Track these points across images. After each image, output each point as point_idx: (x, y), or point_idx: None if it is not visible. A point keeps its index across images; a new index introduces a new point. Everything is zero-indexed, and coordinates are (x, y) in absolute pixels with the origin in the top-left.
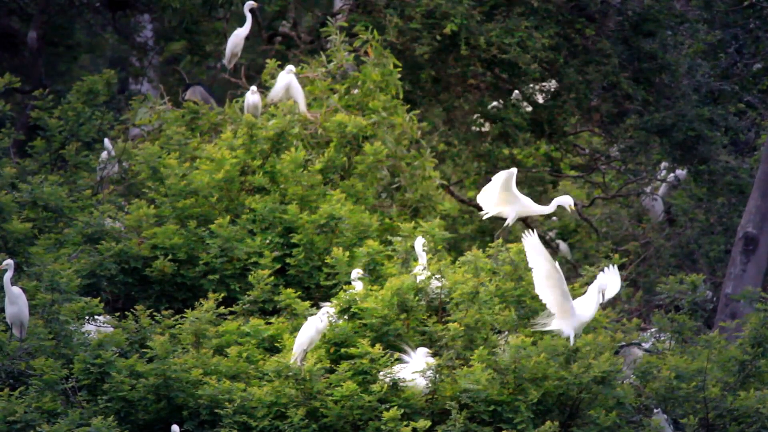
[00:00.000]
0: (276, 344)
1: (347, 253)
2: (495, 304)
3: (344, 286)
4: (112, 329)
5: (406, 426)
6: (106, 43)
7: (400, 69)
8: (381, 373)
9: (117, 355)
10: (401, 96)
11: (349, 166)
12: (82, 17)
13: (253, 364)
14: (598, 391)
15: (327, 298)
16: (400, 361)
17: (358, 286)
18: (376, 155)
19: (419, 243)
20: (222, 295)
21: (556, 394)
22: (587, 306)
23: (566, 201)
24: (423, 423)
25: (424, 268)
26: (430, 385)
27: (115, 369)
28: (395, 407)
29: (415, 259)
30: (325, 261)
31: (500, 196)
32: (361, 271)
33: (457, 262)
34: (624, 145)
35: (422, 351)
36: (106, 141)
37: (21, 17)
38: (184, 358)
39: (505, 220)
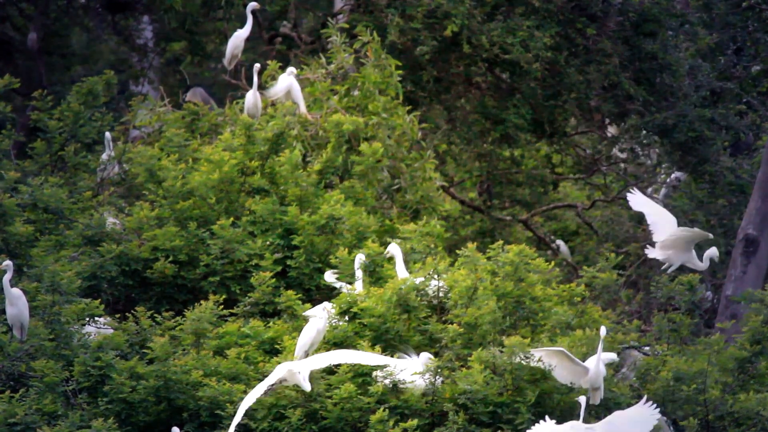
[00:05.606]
0: (276, 346)
1: (353, 254)
2: (494, 302)
3: (345, 286)
4: (112, 331)
5: (396, 426)
6: (104, 49)
7: (400, 71)
8: (380, 374)
9: (117, 357)
10: (401, 97)
11: (350, 168)
12: (80, 22)
13: (253, 365)
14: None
15: (328, 300)
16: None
17: (360, 275)
18: (373, 155)
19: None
20: (222, 297)
21: (556, 396)
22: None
23: (713, 253)
24: (411, 423)
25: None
26: (429, 386)
27: (115, 371)
28: (382, 409)
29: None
30: (327, 262)
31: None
32: (363, 257)
33: (455, 263)
34: (625, 146)
35: (425, 357)
36: (107, 134)
37: (15, 27)
38: (184, 359)
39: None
